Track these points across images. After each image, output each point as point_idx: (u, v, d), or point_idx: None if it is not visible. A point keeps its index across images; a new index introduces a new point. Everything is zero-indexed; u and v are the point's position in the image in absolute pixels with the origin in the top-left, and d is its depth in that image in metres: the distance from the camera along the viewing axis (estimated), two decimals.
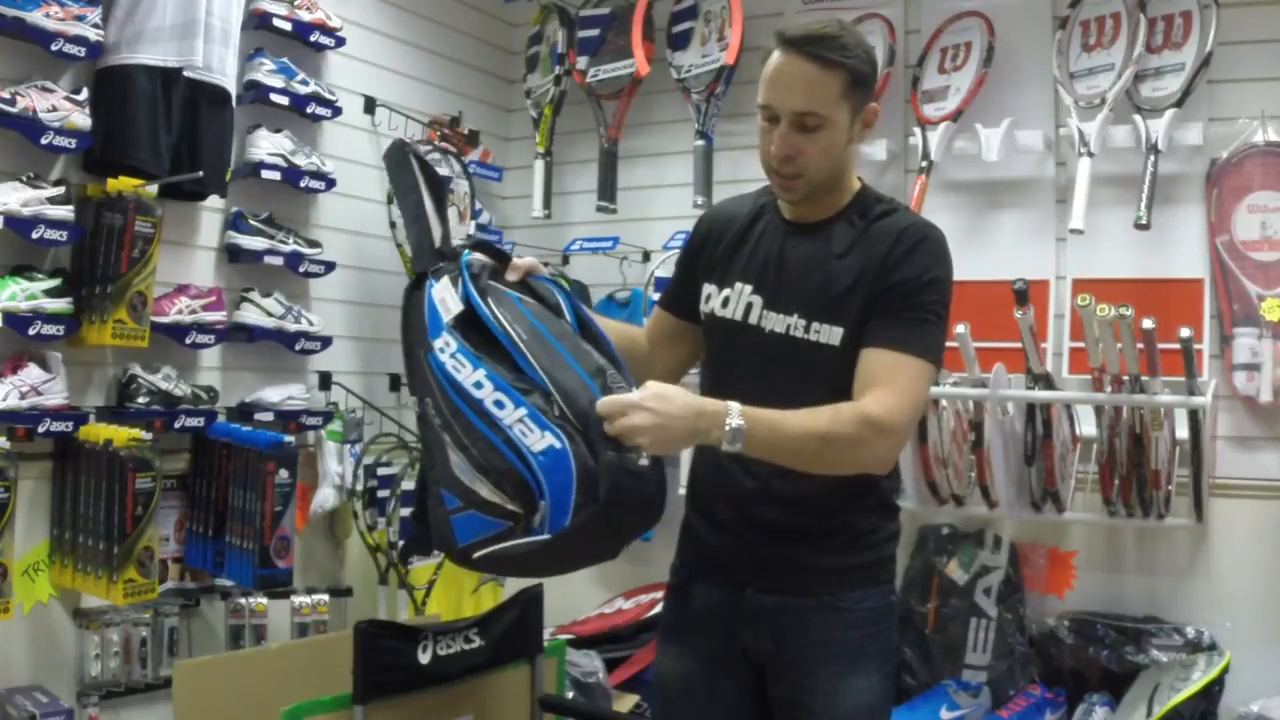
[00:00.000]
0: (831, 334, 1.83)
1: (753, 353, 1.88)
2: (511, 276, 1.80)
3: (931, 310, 1.82)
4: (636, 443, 1.58)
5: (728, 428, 1.64)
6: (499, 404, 1.61)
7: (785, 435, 1.69)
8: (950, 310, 1.88)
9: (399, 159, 1.90)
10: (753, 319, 1.89)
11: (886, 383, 1.76)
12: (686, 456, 2.24)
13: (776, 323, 1.87)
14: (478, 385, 1.63)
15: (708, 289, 1.97)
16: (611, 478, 1.56)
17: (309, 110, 3.27)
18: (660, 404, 1.60)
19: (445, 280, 1.75)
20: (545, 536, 1.58)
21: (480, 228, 3.71)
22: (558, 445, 1.57)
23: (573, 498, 1.56)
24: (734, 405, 1.66)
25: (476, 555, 1.63)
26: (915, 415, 1.83)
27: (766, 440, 1.68)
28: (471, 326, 1.70)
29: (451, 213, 3.54)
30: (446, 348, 1.68)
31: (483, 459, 1.61)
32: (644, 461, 1.59)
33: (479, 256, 1.81)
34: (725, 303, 1.93)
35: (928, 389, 1.84)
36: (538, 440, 1.58)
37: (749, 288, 1.91)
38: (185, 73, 2.84)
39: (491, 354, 1.67)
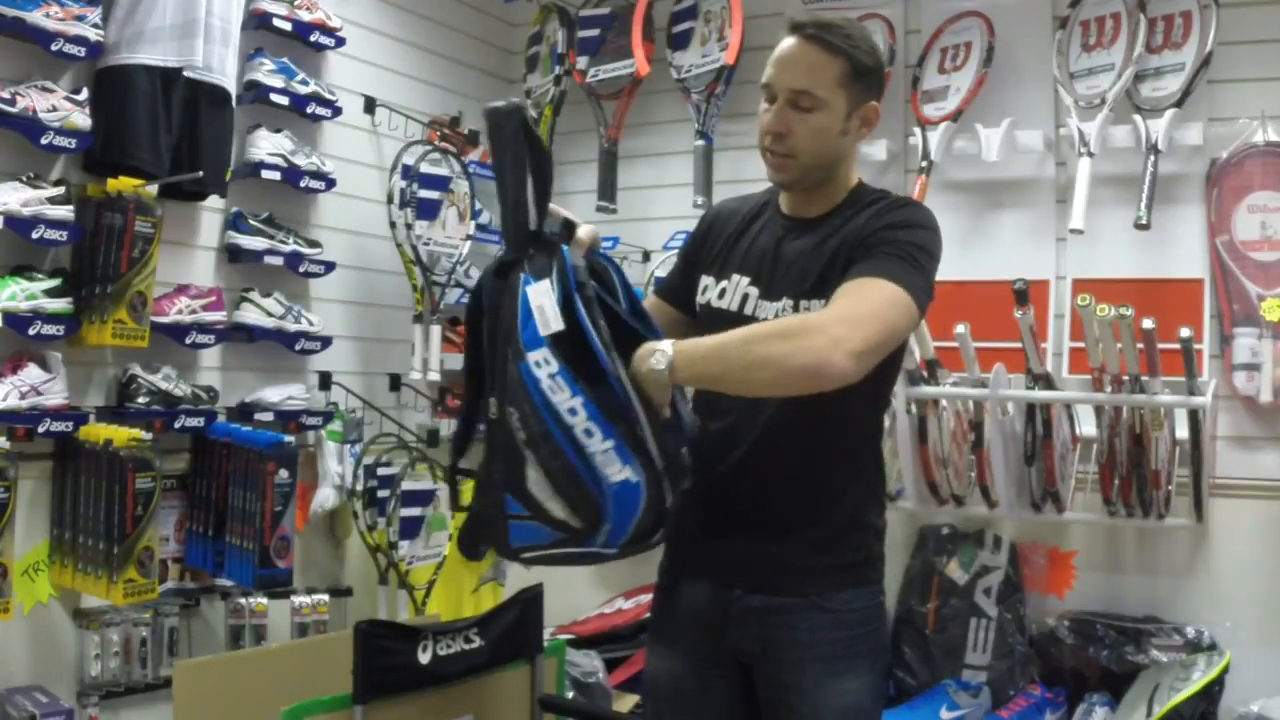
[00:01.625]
0: (818, 306, 1.82)
1: None
2: (578, 253, 1.74)
3: (909, 247, 1.78)
4: None
5: (657, 353, 1.67)
6: (588, 433, 1.61)
7: (719, 340, 1.69)
8: (935, 263, 1.82)
9: (512, 127, 1.68)
10: (748, 309, 1.90)
11: (847, 298, 1.71)
12: None
13: (769, 310, 1.88)
14: (572, 412, 1.60)
15: (705, 280, 1.98)
16: (672, 521, 1.69)
17: (309, 110, 3.27)
18: None
19: (545, 285, 1.66)
20: (595, 550, 1.66)
21: (480, 228, 3.71)
22: (634, 480, 1.62)
23: (632, 528, 1.64)
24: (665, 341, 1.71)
25: (525, 556, 1.72)
26: (877, 329, 1.67)
27: (702, 349, 1.69)
28: (569, 342, 1.64)
29: (451, 213, 3.55)
30: (545, 365, 1.62)
31: (566, 483, 1.62)
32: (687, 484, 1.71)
33: (580, 257, 1.72)
34: (721, 294, 1.94)
35: (900, 315, 1.72)
36: (618, 472, 1.61)
37: (746, 279, 1.92)
38: (185, 73, 2.84)
39: (587, 374, 1.63)
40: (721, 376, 1.71)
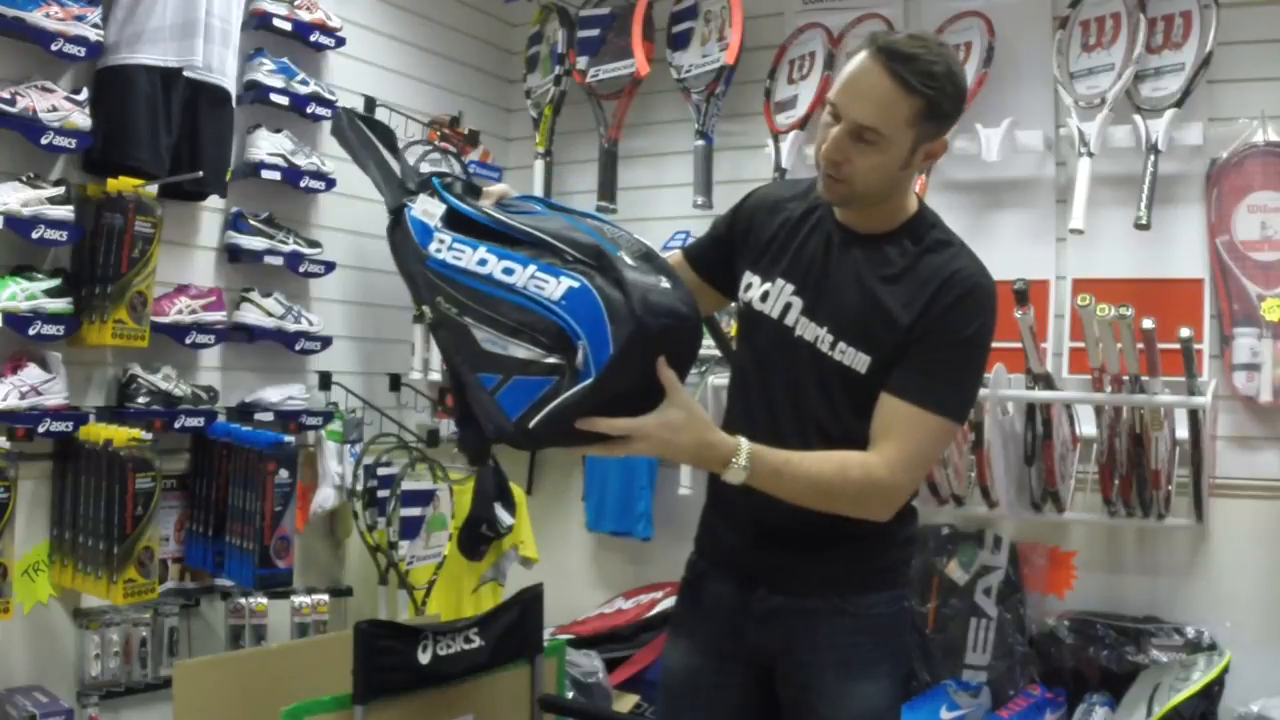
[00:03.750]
0: (858, 359, 1.79)
1: (784, 354, 1.85)
2: (485, 204, 1.77)
3: (966, 365, 1.80)
4: (632, 449, 1.63)
5: (733, 466, 1.68)
6: (508, 270, 1.63)
7: (788, 480, 1.72)
8: (986, 361, 1.86)
9: (349, 126, 1.93)
10: (789, 320, 1.86)
11: (901, 440, 1.74)
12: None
13: (807, 330, 1.84)
14: (482, 262, 1.65)
15: (749, 278, 1.92)
16: (640, 295, 1.57)
17: (309, 110, 3.27)
18: (669, 434, 1.63)
19: (422, 197, 1.77)
20: (594, 376, 1.57)
21: None
22: (576, 285, 1.58)
23: (608, 327, 1.56)
24: (744, 445, 1.68)
25: (533, 425, 1.60)
26: (924, 471, 1.82)
27: (770, 484, 1.72)
28: (459, 222, 1.73)
29: None
30: (442, 245, 1.70)
31: (510, 320, 1.61)
32: (666, 284, 1.63)
33: (450, 175, 1.84)
34: (765, 297, 1.89)
35: (944, 446, 1.84)
36: (555, 288, 1.59)
37: (791, 287, 1.87)
38: (185, 73, 2.85)
39: (485, 236, 1.69)
40: (788, 499, 1.75)
